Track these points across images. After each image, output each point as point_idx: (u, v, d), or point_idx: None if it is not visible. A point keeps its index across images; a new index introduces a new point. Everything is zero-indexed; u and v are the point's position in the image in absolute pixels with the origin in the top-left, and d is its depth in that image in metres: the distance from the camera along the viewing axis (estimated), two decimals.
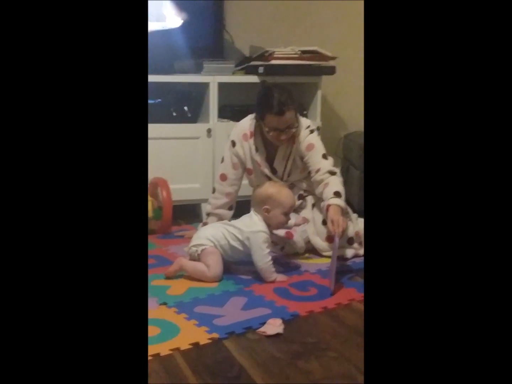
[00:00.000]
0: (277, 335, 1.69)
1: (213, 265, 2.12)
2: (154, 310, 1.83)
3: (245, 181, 2.61)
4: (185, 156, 2.94)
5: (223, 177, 2.54)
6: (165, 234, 2.73)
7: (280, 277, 2.14)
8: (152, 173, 2.71)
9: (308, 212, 2.50)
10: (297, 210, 2.47)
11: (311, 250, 2.46)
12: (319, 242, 2.42)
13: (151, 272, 2.10)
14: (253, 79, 3.02)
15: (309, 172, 2.46)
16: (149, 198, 2.69)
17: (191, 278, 2.14)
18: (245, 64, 3.10)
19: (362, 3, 3.28)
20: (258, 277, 2.14)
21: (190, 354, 1.58)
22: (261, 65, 2.97)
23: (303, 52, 3.02)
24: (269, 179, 2.49)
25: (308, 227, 2.43)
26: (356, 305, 1.93)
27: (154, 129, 2.67)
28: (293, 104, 2.35)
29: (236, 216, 2.45)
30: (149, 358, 1.51)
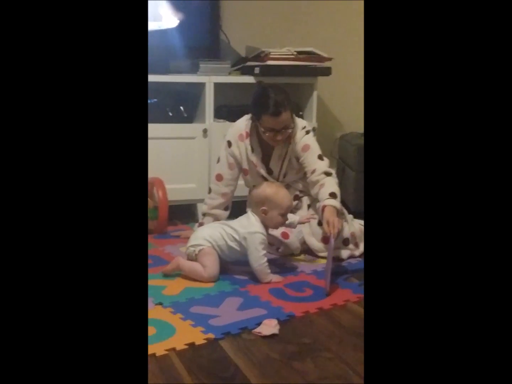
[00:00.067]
0: (273, 335, 1.69)
1: (210, 266, 2.12)
2: (150, 310, 1.82)
3: (241, 182, 2.62)
4: (181, 156, 2.94)
5: (219, 177, 2.54)
6: (161, 234, 2.73)
7: (276, 278, 2.14)
8: (148, 173, 2.71)
9: (303, 212, 2.50)
10: (292, 210, 2.47)
11: (307, 251, 2.47)
12: (315, 243, 2.43)
13: None
14: (249, 79, 3.02)
15: (305, 173, 2.47)
16: None
17: (187, 278, 2.14)
18: (241, 65, 3.10)
19: (358, 4, 3.30)
20: (254, 278, 2.14)
21: (186, 354, 1.58)
22: (257, 66, 2.97)
23: (299, 53, 3.02)
24: (265, 179, 2.49)
25: (304, 228, 2.44)
26: (352, 306, 1.94)
27: (150, 129, 2.62)
28: (289, 105, 2.35)
29: (232, 216, 2.46)
30: None
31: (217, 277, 2.14)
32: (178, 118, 3.00)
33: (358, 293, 2.04)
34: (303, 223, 2.34)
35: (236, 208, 2.65)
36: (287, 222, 2.24)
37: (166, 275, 2.17)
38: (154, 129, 2.80)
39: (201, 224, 2.55)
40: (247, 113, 2.51)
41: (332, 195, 2.28)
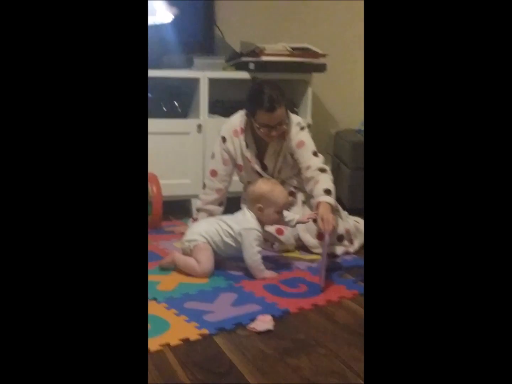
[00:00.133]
0: (267, 331, 1.69)
1: (204, 261, 2.12)
2: None
3: (235, 177, 2.61)
4: (175, 152, 2.94)
5: (214, 173, 2.54)
6: (155, 229, 2.72)
7: (270, 274, 2.14)
8: None
9: (298, 209, 2.50)
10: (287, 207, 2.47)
11: (301, 247, 2.47)
12: (310, 239, 2.43)
13: None
14: (244, 75, 3.02)
15: (300, 169, 2.47)
16: None
17: (181, 273, 2.14)
18: (235, 60, 3.10)
19: (353, 1, 3.28)
20: (249, 274, 2.14)
21: (180, 350, 1.58)
22: (252, 61, 2.97)
23: (294, 49, 3.02)
24: (260, 175, 2.49)
25: (295, 216, 2.43)
26: (346, 302, 1.94)
27: None
28: (284, 101, 2.35)
29: (226, 212, 2.45)
30: None
31: (211, 273, 2.13)
32: (173, 114, 3.00)
33: (352, 289, 2.04)
34: (303, 222, 2.34)
35: (231, 204, 2.65)
36: (286, 220, 2.23)
37: (163, 269, 2.18)
38: (148, 124, 2.78)
39: (195, 220, 2.55)
40: (242, 109, 2.51)
41: (327, 192, 2.28)
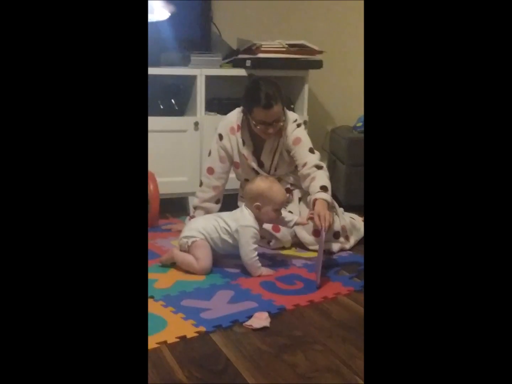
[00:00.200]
0: (264, 328, 1.70)
1: (202, 258, 2.13)
2: None
3: (232, 175, 2.62)
4: (172, 149, 2.93)
5: (210, 171, 2.54)
6: (152, 227, 2.73)
7: (266, 271, 2.15)
8: None
9: (294, 206, 2.51)
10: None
11: (298, 244, 2.48)
12: (306, 236, 2.44)
13: None
14: (241, 72, 3.01)
15: (296, 166, 2.47)
16: None
17: (178, 271, 2.15)
18: (232, 57, 3.09)
19: None
20: (245, 271, 2.15)
21: (177, 347, 1.59)
22: (249, 59, 2.97)
23: (290, 45, 3.02)
24: (256, 172, 2.50)
25: (294, 217, 2.43)
26: (342, 299, 1.95)
27: None
28: (280, 98, 2.35)
29: (222, 209, 2.46)
30: None
31: (210, 270, 2.14)
32: (169, 111, 3.00)
33: (348, 286, 2.05)
34: (302, 224, 2.34)
35: (227, 201, 2.66)
36: (285, 220, 2.24)
37: (163, 265, 2.20)
38: None
39: (192, 217, 2.55)
40: (239, 106, 2.51)
41: (323, 189, 2.29)
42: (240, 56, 3.04)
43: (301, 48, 3.04)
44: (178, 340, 1.62)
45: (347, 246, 2.48)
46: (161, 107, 2.98)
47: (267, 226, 2.37)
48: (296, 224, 2.30)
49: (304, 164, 2.40)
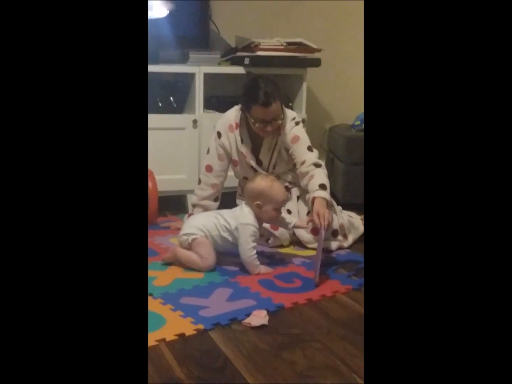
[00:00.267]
0: (262, 326, 1.71)
1: (206, 256, 2.14)
2: None
3: (230, 173, 2.62)
4: (170, 147, 2.93)
5: (209, 168, 2.54)
6: (151, 225, 2.73)
7: (265, 269, 2.15)
8: None
9: (293, 204, 2.51)
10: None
11: (296, 242, 2.48)
12: (304, 235, 2.44)
13: None
14: (239, 70, 3.01)
15: (294, 164, 2.48)
16: None
17: (177, 269, 2.16)
18: (231, 55, 3.09)
19: None
20: (244, 269, 2.15)
21: (176, 345, 1.59)
22: (247, 56, 2.97)
23: (289, 43, 3.02)
24: (255, 170, 2.50)
25: (293, 219, 2.44)
26: (340, 297, 1.96)
27: None
28: (279, 96, 2.35)
29: (221, 207, 2.46)
30: None
31: (214, 267, 2.15)
32: (168, 109, 3.00)
33: (346, 284, 2.06)
34: (302, 227, 2.35)
35: (226, 199, 2.66)
36: (284, 221, 2.25)
37: (165, 263, 2.21)
38: None
39: (190, 215, 2.55)
40: (237, 104, 2.51)
41: (322, 187, 2.29)
42: (239, 53, 3.03)
43: (300, 46, 3.04)
44: (176, 337, 1.63)
45: (345, 244, 2.48)
46: (160, 104, 2.98)
47: (266, 224, 2.37)
48: (296, 227, 2.31)
49: (303, 162, 2.40)
